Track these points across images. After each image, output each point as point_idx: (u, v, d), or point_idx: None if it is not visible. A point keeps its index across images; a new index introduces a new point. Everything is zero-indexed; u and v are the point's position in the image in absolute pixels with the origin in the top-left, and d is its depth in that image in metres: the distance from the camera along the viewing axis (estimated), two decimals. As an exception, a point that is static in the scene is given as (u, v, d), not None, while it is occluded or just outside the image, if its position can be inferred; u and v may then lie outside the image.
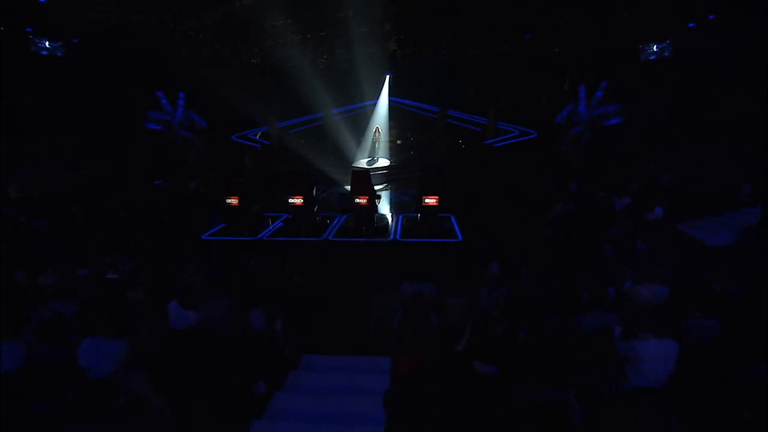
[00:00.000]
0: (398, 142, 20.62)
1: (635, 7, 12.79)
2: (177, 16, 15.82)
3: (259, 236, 8.03)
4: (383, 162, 17.76)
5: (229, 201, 8.14)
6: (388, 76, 21.40)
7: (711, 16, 12.24)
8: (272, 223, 8.76)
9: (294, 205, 7.81)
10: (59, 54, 15.01)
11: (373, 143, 18.57)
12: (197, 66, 17.86)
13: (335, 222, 8.77)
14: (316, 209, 8.61)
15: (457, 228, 8.24)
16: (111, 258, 4.91)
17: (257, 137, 21.36)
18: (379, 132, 18.96)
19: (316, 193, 9.82)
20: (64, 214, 9.31)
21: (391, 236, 7.84)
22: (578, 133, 14.70)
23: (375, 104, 22.19)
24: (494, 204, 10.23)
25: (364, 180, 7.87)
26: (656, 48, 12.76)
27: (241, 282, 4.24)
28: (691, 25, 12.89)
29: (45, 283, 5.17)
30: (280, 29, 17.41)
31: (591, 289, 4.22)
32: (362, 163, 17.75)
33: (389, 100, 21.76)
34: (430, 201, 7.69)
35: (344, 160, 18.94)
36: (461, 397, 2.66)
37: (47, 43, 15.22)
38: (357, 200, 7.80)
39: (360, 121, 23.47)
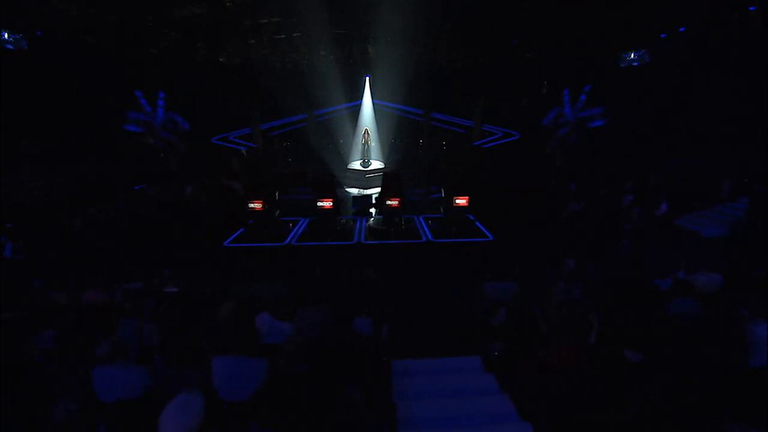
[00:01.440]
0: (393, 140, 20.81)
1: (614, 17, 13.74)
2: (149, 11, 14.91)
3: (287, 241, 7.78)
4: (376, 164, 17.76)
5: (252, 206, 7.79)
6: (367, 78, 21.44)
7: (681, 29, 13.40)
8: (293, 227, 8.50)
9: (323, 209, 7.61)
10: (24, 46, 13.68)
11: (364, 145, 18.51)
12: (174, 63, 17.00)
13: (358, 225, 8.68)
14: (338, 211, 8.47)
15: (482, 227, 8.45)
16: (168, 270, 4.57)
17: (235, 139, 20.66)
18: (368, 134, 18.93)
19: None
20: (54, 224, 8.49)
21: (424, 237, 7.88)
22: (565, 134, 15.51)
23: (358, 106, 22.19)
24: (499, 204, 10.54)
25: (396, 181, 7.85)
26: (634, 55, 13.75)
27: (336, 289, 4.10)
28: (662, 35, 14.06)
29: (89, 301, 4.75)
30: (259, 28, 16.93)
31: (670, 278, 4.54)
32: (356, 165, 17.66)
33: (373, 103, 21.81)
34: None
35: (333, 163, 18.76)
36: (614, 385, 2.78)
37: (6, 35, 13.85)
38: (389, 202, 7.77)
39: (343, 123, 23.36)
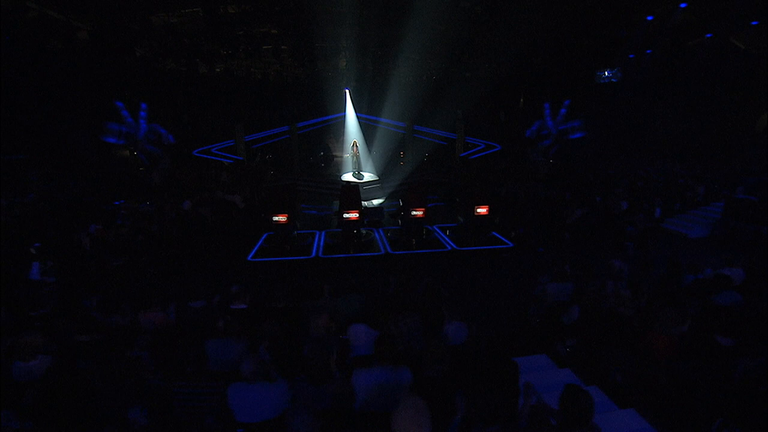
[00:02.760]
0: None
1: (589, 40, 14.97)
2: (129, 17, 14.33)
3: (313, 254, 7.69)
4: (368, 176, 17.90)
5: (277, 219, 7.63)
6: (347, 91, 21.70)
7: (648, 51, 14.81)
8: (308, 240, 8.42)
9: (349, 221, 7.58)
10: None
11: (353, 158, 18.62)
12: (153, 74, 16.37)
13: (379, 236, 8.74)
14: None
15: (498, 235, 8.81)
16: (237, 287, 4.42)
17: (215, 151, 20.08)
18: (356, 147, 19.06)
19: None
20: (65, 244, 7.88)
21: (449, 246, 8.08)
22: (548, 145, 16.49)
23: (340, 118, 22.37)
24: (509, 212, 10.94)
25: (418, 192, 8.01)
26: (608, 74, 15.00)
27: (425, 296, 4.17)
28: (631, 56, 15.45)
29: (148, 321, 4.52)
30: (244, 39, 16.72)
31: (701, 274, 5.03)
32: (348, 177, 17.68)
33: (357, 116, 22.04)
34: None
35: (315, 175, 18.73)
36: (710, 369, 3.08)
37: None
38: (413, 213, 7.92)
39: (326, 135, 23.36)
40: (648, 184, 11.66)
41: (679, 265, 5.32)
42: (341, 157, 22.11)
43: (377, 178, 17.40)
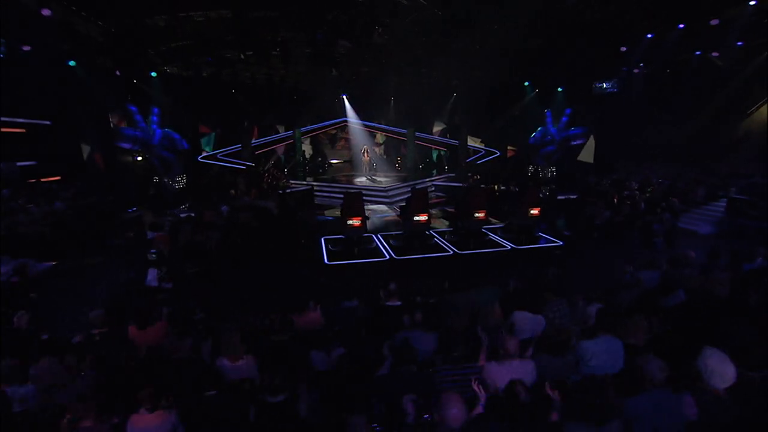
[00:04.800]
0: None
1: (588, 53, 16.16)
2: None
3: (387, 257, 7.98)
4: (381, 179, 18.29)
5: (351, 222, 7.84)
6: (344, 97, 22.04)
7: (641, 64, 16.22)
8: (372, 244, 8.69)
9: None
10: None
11: (364, 163, 18.99)
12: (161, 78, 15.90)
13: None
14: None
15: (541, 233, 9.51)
16: (393, 285, 4.67)
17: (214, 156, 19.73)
18: (366, 152, 19.42)
19: None
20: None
21: (509, 246, 8.65)
22: (552, 151, 17.59)
23: (341, 124, 22.65)
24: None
25: (482, 195, 8.48)
26: (606, 85, 16.29)
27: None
28: (624, 69, 16.83)
29: (307, 321, 4.70)
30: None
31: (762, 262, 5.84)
32: (362, 180, 17.98)
33: (361, 122, 22.38)
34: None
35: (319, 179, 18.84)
36: None
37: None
38: (476, 215, 8.42)
39: (329, 140, 23.50)
40: (659, 186, 12.86)
41: (738, 254, 6.12)
42: (340, 162, 22.45)
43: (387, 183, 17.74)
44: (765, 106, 14.52)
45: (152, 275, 5.28)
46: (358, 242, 8.23)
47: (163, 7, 12.48)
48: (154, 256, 5.81)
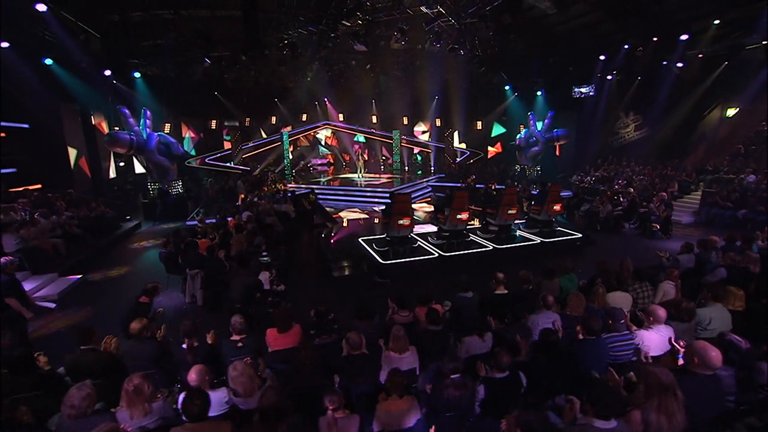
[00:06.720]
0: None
1: (569, 60, 17.55)
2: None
3: (437, 254, 8.31)
4: (373, 179, 18.61)
5: (401, 222, 8.02)
6: (326, 100, 22.16)
7: (614, 71, 17.87)
8: (416, 243, 8.99)
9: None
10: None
11: (358, 162, 19.27)
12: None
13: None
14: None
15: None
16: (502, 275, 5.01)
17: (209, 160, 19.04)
18: (360, 153, 19.61)
19: None
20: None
21: (538, 240, 9.36)
22: (537, 152, 18.83)
23: (325, 127, 22.71)
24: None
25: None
26: (585, 89, 17.75)
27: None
28: (597, 75, 18.44)
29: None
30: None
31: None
32: (360, 182, 18.12)
33: (348, 126, 22.52)
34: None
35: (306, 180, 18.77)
36: None
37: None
38: (509, 212, 9.01)
39: (314, 143, 23.36)
40: (641, 183, 14.33)
41: (748, 238, 7.19)
42: (323, 164, 22.51)
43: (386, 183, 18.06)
44: (716, 110, 16.74)
45: (264, 278, 5.22)
46: (401, 242, 8.49)
47: (165, 4, 11.99)
48: (266, 259, 5.72)
